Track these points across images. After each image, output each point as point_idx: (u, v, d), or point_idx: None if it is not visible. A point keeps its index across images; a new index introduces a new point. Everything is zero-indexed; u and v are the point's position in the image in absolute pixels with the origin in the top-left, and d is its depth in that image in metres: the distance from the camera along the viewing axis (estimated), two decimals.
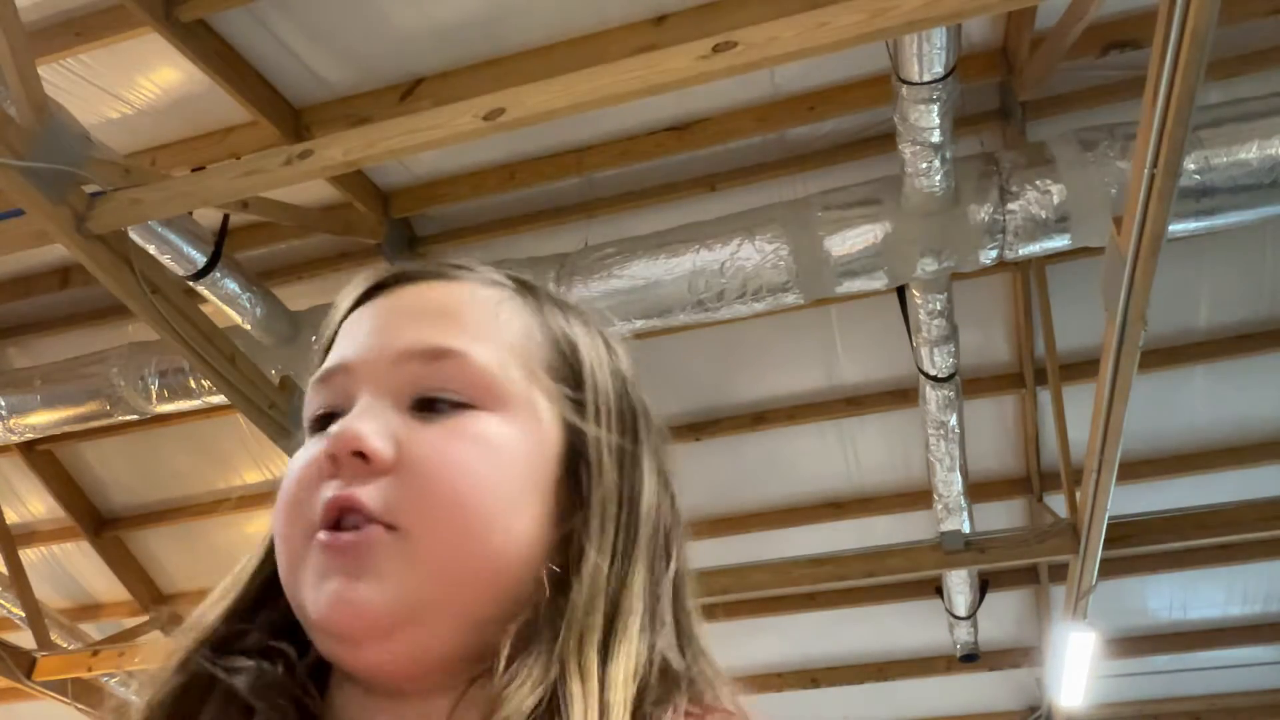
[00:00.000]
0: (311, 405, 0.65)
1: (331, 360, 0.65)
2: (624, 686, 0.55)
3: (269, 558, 0.64)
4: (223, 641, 0.61)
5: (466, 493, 0.58)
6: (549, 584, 0.58)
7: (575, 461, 0.63)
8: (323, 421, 0.63)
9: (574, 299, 0.72)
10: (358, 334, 0.65)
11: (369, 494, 0.57)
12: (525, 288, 0.69)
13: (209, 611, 0.64)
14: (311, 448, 0.61)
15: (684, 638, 0.64)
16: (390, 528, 0.56)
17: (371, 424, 0.58)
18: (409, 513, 0.57)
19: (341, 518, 0.57)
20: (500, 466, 0.59)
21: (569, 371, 0.65)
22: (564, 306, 0.70)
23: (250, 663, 0.59)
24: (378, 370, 0.62)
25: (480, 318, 0.64)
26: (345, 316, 0.68)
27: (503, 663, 0.55)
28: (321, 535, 0.57)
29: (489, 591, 0.58)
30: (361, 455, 0.57)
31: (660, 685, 0.58)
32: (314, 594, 0.56)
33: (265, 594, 0.64)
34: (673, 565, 0.65)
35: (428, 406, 0.60)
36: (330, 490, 0.57)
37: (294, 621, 0.60)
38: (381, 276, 0.68)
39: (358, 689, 0.60)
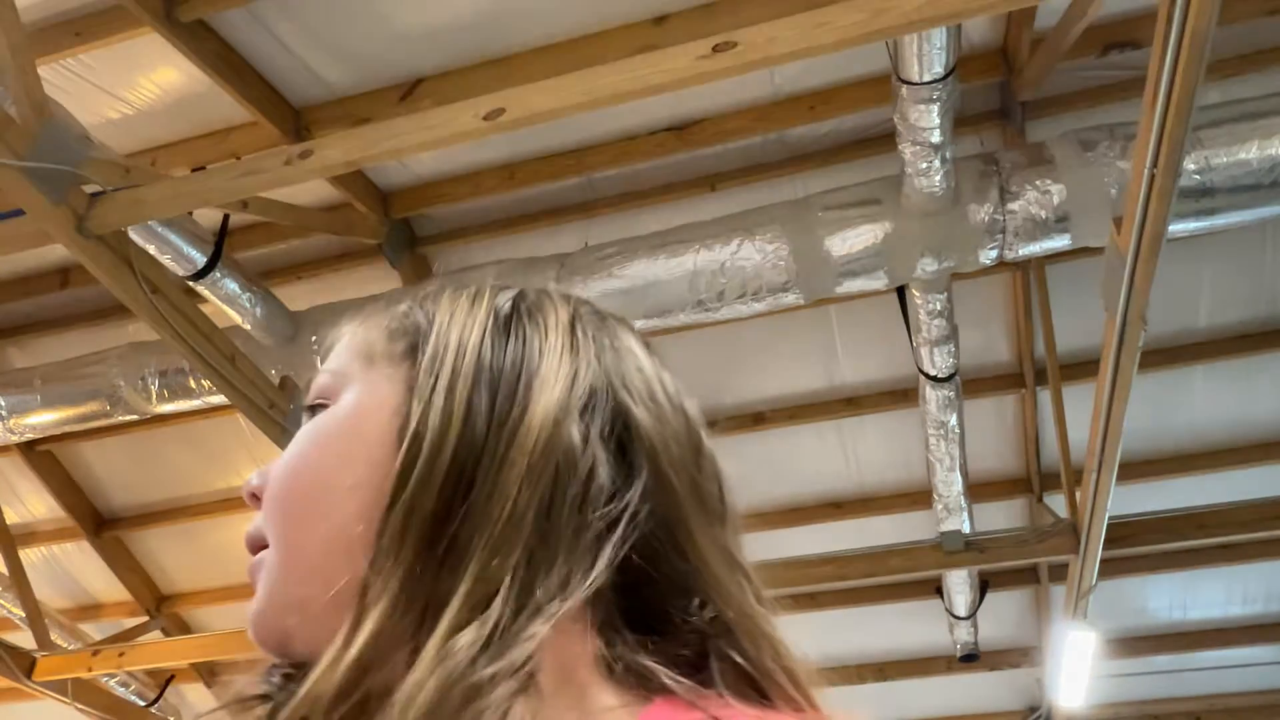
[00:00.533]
0: None
1: None
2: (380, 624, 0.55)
3: None
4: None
5: (286, 484, 0.63)
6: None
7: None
8: None
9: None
10: None
11: (253, 527, 0.65)
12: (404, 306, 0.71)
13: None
14: None
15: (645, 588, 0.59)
16: (264, 546, 0.64)
17: (261, 468, 0.67)
18: (267, 526, 0.64)
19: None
20: (318, 444, 0.64)
21: (412, 342, 0.65)
22: (441, 293, 0.70)
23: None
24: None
25: (341, 350, 0.70)
26: None
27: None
28: None
29: (343, 556, 0.58)
30: (254, 496, 0.66)
31: (498, 648, 0.53)
32: None
33: None
34: (573, 485, 0.58)
35: None
36: None
37: None
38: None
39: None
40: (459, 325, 0.64)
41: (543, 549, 0.56)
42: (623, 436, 0.61)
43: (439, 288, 0.70)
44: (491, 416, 0.59)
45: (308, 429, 0.65)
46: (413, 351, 0.64)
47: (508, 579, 0.54)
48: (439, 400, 0.60)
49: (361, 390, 0.64)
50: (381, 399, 0.63)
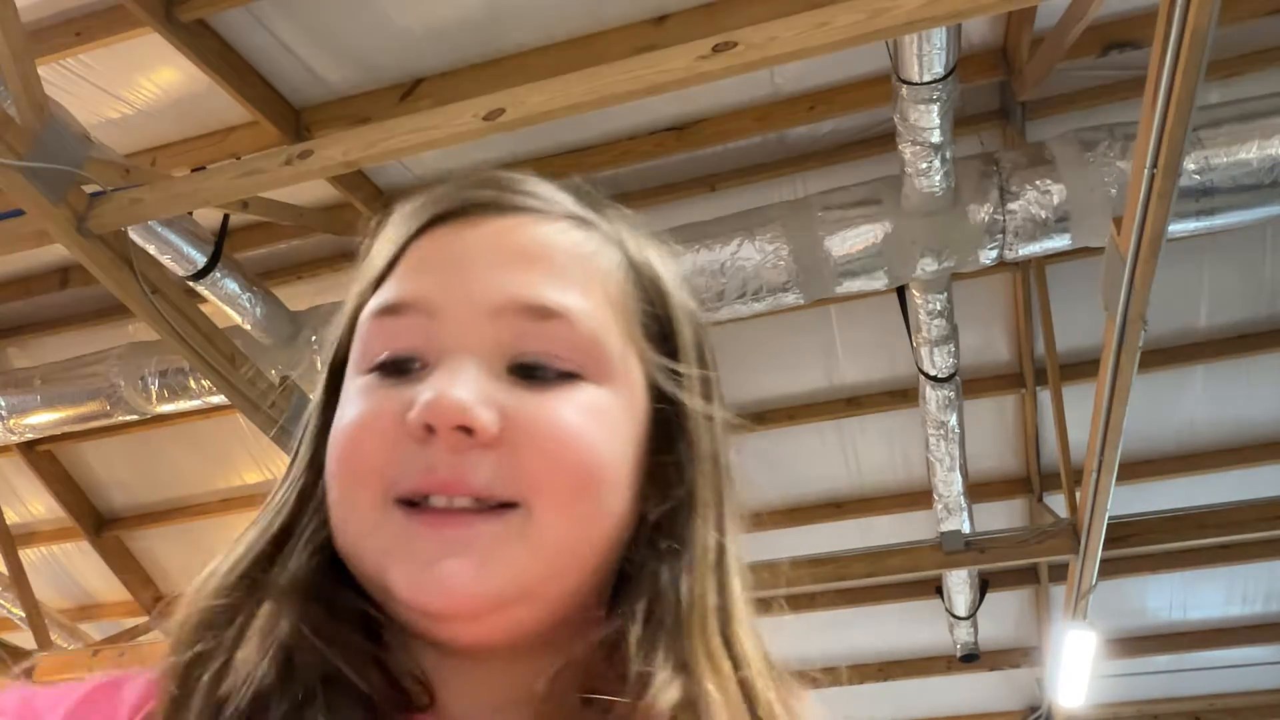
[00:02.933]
0: (376, 340, 0.58)
1: (407, 293, 0.58)
2: (759, 662, 0.56)
3: (299, 509, 0.59)
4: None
5: (581, 465, 0.54)
6: (654, 559, 0.57)
7: (664, 428, 0.60)
8: (394, 369, 0.56)
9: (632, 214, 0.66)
10: (437, 268, 0.58)
11: (476, 474, 0.52)
12: (605, 217, 0.64)
13: (233, 563, 0.58)
14: (377, 396, 0.55)
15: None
16: (504, 506, 0.53)
17: (473, 392, 0.53)
18: (527, 489, 0.53)
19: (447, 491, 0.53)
20: (611, 441, 0.56)
21: (659, 329, 0.62)
22: (637, 229, 0.65)
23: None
24: (471, 320, 0.56)
25: (581, 270, 0.59)
26: (411, 238, 0.60)
27: (631, 648, 0.53)
28: (422, 518, 0.53)
29: (591, 566, 0.56)
30: (465, 429, 0.52)
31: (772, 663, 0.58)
32: (406, 571, 0.52)
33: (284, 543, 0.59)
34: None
35: (528, 373, 0.55)
36: (424, 464, 0.53)
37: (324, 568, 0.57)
38: (454, 202, 0.60)
39: (431, 649, 0.56)
40: (687, 314, 0.63)
41: None
42: None
43: (619, 211, 0.65)
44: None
45: (591, 406, 0.55)
46: (654, 335, 0.61)
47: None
48: (705, 431, 0.61)
49: (626, 383, 0.58)
50: (640, 401, 0.59)
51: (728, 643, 0.56)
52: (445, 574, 0.51)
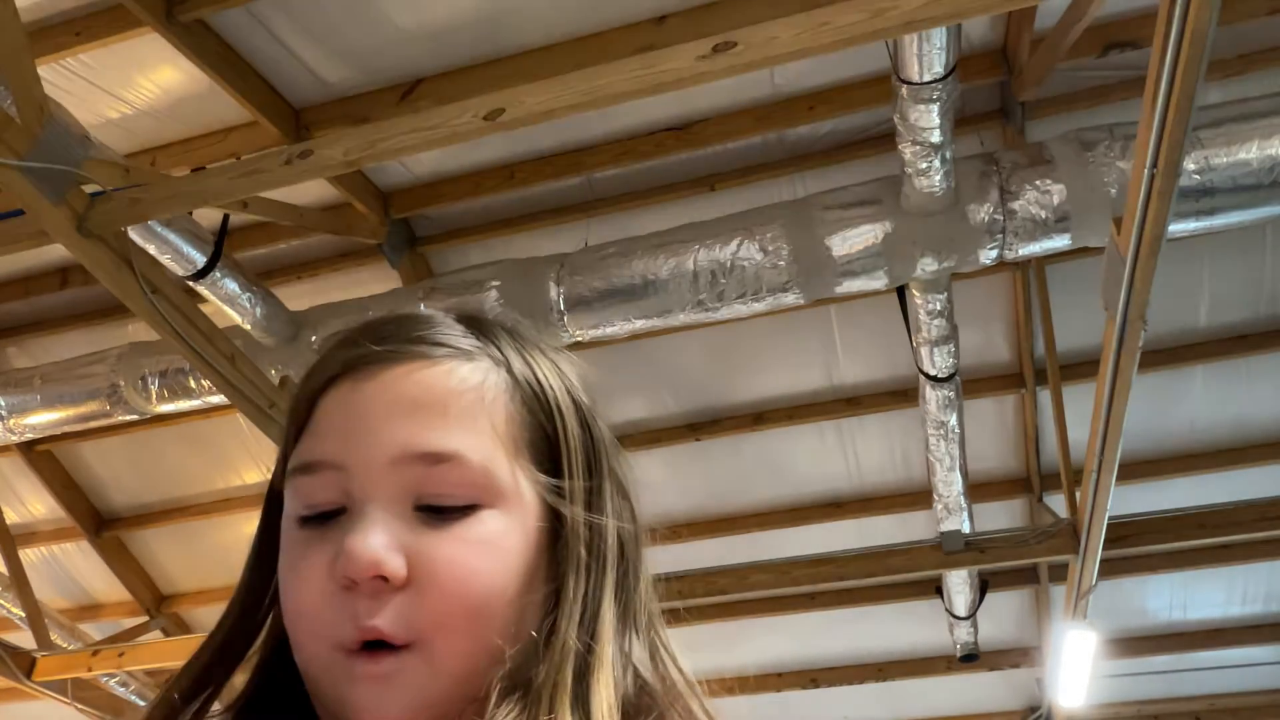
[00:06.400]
0: (300, 497, 0.66)
1: (317, 453, 0.66)
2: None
3: (247, 624, 0.71)
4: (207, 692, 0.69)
5: (475, 600, 0.63)
6: (528, 645, 0.64)
7: (552, 533, 0.68)
8: (320, 518, 0.65)
9: (522, 324, 0.74)
10: (342, 427, 0.66)
11: (390, 621, 0.62)
12: (491, 343, 0.71)
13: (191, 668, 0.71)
14: (311, 549, 0.64)
15: (653, 650, 0.69)
16: (409, 645, 0.62)
17: (385, 541, 0.62)
18: (426, 626, 0.62)
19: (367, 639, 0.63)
20: (503, 563, 0.64)
21: (547, 445, 0.69)
22: (524, 346, 0.72)
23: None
24: (374, 473, 0.64)
25: (467, 408, 0.66)
26: (319, 394, 0.68)
27: (488, 710, 0.61)
28: (355, 663, 0.63)
29: (492, 670, 0.63)
30: (382, 577, 0.62)
31: (638, 709, 0.65)
32: (353, 707, 0.63)
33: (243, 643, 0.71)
34: (639, 585, 0.70)
35: (432, 509, 0.64)
36: (351, 613, 0.62)
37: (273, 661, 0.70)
38: (352, 358, 0.68)
39: None
40: (572, 418, 0.70)
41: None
42: None
43: (526, 337, 0.73)
44: (617, 519, 0.70)
45: (485, 536, 0.64)
46: (541, 453, 0.68)
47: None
48: (581, 532, 0.67)
49: (518, 502, 0.66)
50: (532, 515, 0.67)
51: (583, 708, 0.61)
52: (380, 708, 0.62)
